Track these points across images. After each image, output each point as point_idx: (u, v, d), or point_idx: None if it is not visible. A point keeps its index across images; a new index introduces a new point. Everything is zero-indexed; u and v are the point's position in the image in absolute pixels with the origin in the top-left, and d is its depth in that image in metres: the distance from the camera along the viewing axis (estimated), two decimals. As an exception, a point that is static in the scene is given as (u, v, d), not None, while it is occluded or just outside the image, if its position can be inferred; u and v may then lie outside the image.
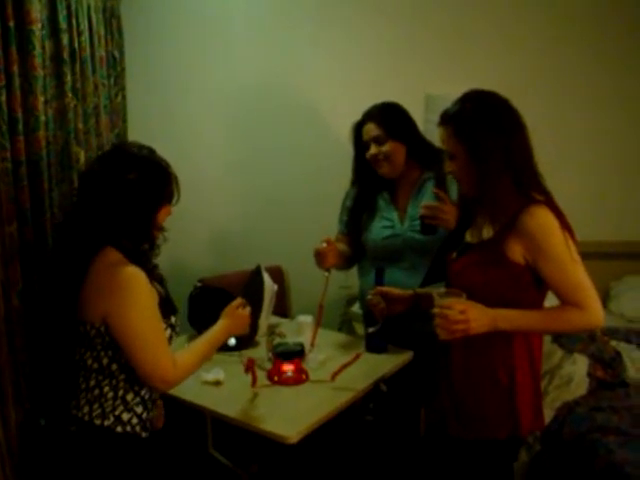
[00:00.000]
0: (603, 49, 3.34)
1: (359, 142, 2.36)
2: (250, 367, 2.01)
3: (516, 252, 1.59)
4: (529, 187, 1.61)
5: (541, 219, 1.56)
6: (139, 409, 1.73)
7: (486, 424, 1.70)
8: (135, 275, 1.64)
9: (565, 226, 1.58)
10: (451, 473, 1.80)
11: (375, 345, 2.28)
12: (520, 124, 1.63)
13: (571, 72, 3.35)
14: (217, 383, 2.06)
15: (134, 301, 1.63)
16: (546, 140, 3.16)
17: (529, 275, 1.60)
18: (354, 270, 2.59)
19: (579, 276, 1.57)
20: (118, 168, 1.69)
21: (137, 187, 1.69)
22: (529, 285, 1.62)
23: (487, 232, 1.68)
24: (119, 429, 1.68)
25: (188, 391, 2.00)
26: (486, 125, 1.58)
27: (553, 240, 1.55)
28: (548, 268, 1.57)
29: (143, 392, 1.75)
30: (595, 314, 1.58)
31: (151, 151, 1.77)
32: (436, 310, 1.59)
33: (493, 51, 3.33)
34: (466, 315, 1.55)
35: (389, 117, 2.30)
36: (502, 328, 1.59)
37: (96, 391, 1.69)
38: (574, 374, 2.58)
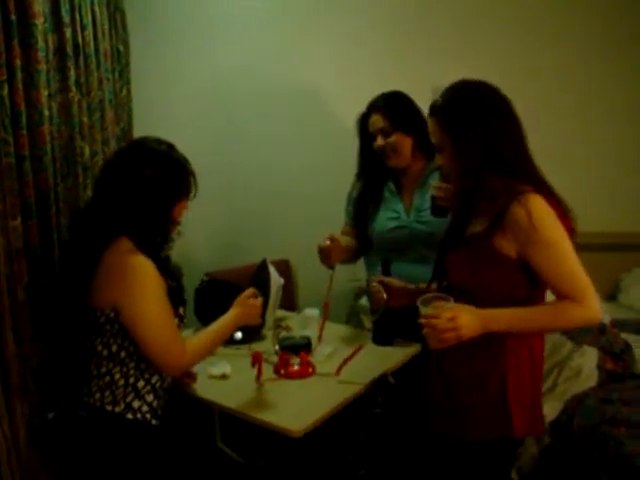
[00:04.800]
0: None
1: (365, 133, 2.34)
2: (257, 361, 2.01)
3: (507, 245, 1.50)
4: (519, 177, 1.53)
5: (530, 207, 1.46)
6: (150, 397, 1.76)
7: (471, 425, 1.62)
8: (143, 263, 1.68)
9: (561, 215, 1.49)
10: (444, 473, 1.73)
11: (381, 338, 2.27)
12: (507, 112, 1.56)
13: (585, 60, 3.32)
14: (224, 377, 2.05)
15: (143, 287, 1.66)
16: (556, 128, 3.16)
17: (521, 269, 1.52)
18: (361, 263, 2.57)
19: (573, 266, 1.48)
20: (136, 163, 1.73)
21: (153, 182, 1.72)
22: (522, 281, 1.54)
23: (481, 225, 1.59)
24: (129, 416, 1.71)
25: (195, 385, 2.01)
26: (469, 114, 1.54)
27: (543, 227, 1.46)
28: (539, 257, 1.48)
29: (154, 380, 1.77)
30: (592, 309, 1.48)
31: (170, 147, 1.81)
32: (422, 320, 1.48)
33: (500, 43, 3.28)
34: (455, 322, 1.44)
35: (395, 108, 2.28)
36: (495, 329, 1.49)
37: (107, 378, 1.72)
38: (583, 366, 2.56)
